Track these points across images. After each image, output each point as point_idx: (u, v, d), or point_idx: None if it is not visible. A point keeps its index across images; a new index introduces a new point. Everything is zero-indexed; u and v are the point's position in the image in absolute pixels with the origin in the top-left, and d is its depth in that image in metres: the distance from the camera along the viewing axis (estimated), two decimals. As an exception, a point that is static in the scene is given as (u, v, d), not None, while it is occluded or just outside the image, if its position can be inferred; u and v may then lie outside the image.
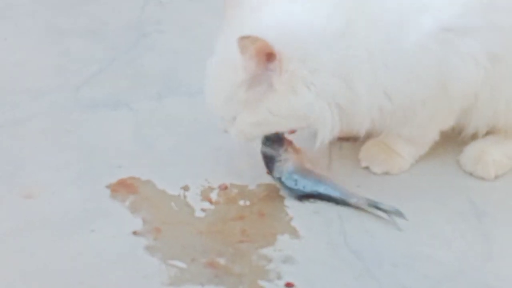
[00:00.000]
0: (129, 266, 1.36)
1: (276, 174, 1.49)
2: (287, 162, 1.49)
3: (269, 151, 1.49)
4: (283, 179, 1.49)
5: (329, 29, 1.39)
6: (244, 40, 1.34)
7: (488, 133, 1.56)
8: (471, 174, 1.56)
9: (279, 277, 1.36)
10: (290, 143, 1.51)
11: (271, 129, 1.45)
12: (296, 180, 1.48)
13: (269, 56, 1.36)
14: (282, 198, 1.49)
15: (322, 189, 1.48)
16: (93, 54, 1.82)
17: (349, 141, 1.59)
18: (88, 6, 1.96)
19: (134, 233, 1.42)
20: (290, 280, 1.35)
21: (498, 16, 1.43)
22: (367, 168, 1.55)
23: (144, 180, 1.51)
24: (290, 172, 1.49)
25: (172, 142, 1.60)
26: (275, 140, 1.49)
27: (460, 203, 1.50)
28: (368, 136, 1.56)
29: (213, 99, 1.44)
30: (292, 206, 1.48)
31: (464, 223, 1.47)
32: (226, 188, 1.51)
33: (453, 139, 1.57)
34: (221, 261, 1.37)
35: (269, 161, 1.50)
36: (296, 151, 1.51)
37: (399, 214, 1.44)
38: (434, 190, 1.52)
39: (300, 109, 1.40)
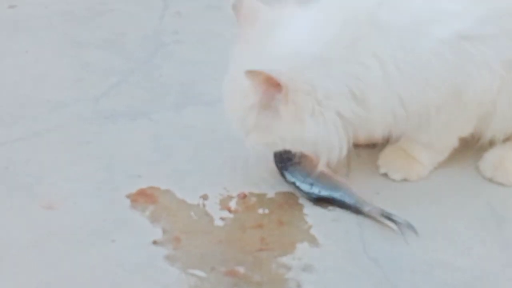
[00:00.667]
0: (149, 276, 1.37)
1: (291, 179, 1.50)
2: (298, 166, 1.50)
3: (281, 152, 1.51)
4: (298, 183, 1.49)
5: (335, 55, 1.39)
6: (251, 73, 1.36)
7: (507, 139, 1.56)
8: (490, 180, 1.56)
9: (298, 286, 1.36)
10: (305, 156, 1.51)
11: (280, 148, 1.47)
12: (311, 184, 1.49)
13: (276, 86, 1.37)
14: (301, 206, 1.50)
15: (337, 195, 1.48)
16: (111, 65, 1.83)
17: (368, 147, 1.59)
18: (106, 17, 1.98)
19: (154, 242, 1.42)
20: (310, 288, 1.36)
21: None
22: (385, 175, 1.56)
23: (164, 189, 1.52)
24: (304, 176, 1.49)
25: (191, 152, 1.61)
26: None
27: (479, 209, 1.50)
28: (387, 142, 1.57)
29: (229, 114, 1.46)
30: (311, 214, 1.48)
31: (483, 229, 1.46)
32: (245, 196, 1.51)
33: (472, 145, 1.57)
34: (241, 269, 1.38)
35: (280, 161, 1.51)
36: (309, 156, 1.51)
37: (410, 227, 1.44)
38: (453, 196, 1.52)
39: (306, 137, 1.41)
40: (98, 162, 1.58)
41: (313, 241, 1.43)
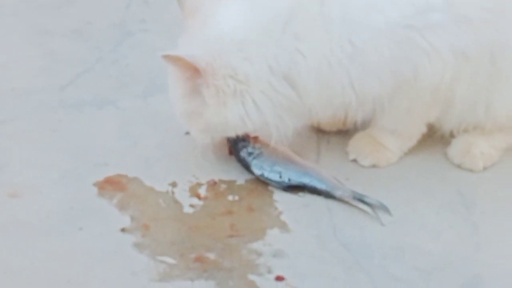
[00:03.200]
0: (117, 263, 1.35)
1: (257, 171, 1.49)
2: (262, 156, 1.49)
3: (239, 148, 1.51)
4: (266, 174, 1.48)
5: (258, 40, 1.40)
6: (168, 58, 1.40)
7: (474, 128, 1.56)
8: (459, 166, 1.56)
9: (269, 271, 1.35)
10: (256, 138, 1.51)
11: (221, 135, 1.48)
12: (280, 172, 1.48)
13: (196, 71, 1.40)
14: (271, 192, 1.49)
15: (307, 181, 1.48)
16: (78, 54, 1.81)
17: (338, 133, 1.59)
18: (73, 7, 1.95)
19: (122, 230, 1.41)
20: (280, 273, 1.34)
21: (464, 9, 1.42)
22: (355, 161, 1.55)
23: (131, 177, 1.50)
24: (271, 165, 1.49)
25: (159, 139, 1.59)
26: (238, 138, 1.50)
27: (448, 194, 1.50)
28: (356, 129, 1.57)
29: (172, 104, 1.49)
30: (281, 200, 1.47)
31: (453, 214, 1.47)
32: (214, 183, 1.50)
33: (441, 132, 1.57)
34: (211, 256, 1.36)
35: (242, 157, 1.50)
36: (266, 143, 1.51)
37: (384, 208, 1.44)
38: (422, 182, 1.52)
39: (233, 121, 1.42)
40: (64, 151, 1.56)
41: (283, 226, 1.42)
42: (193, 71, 1.40)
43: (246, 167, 1.50)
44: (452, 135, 1.57)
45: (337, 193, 1.46)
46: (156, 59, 1.81)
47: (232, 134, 1.48)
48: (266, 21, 1.41)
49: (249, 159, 1.50)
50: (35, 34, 1.86)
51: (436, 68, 1.43)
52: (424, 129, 1.55)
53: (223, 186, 1.50)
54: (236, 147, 1.51)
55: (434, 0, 1.41)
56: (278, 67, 1.41)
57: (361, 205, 1.45)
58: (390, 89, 1.44)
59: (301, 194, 1.48)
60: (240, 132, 1.47)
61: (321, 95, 1.43)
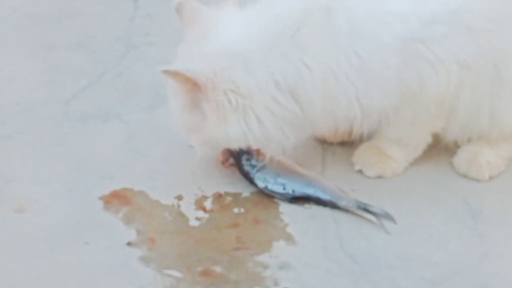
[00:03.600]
0: (123, 278, 1.35)
1: (261, 184, 1.49)
2: (265, 168, 1.49)
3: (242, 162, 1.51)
4: (270, 186, 1.48)
5: (261, 54, 1.39)
6: (168, 73, 1.40)
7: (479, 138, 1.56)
8: (465, 176, 1.56)
9: (276, 284, 1.35)
10: (258, 151, 1.50)
11: (220, 147, 1.48)
12: (283, 184, 1.48)
13: (197, 85, 1.39)
14: (276, 204, 1.48)
15: (311, 192, 1.47)
16: (82, 67, 1.81)
17: (343, 145, 1.59)
18: (76, 20, 1.95)
19: (128, 244, 1.40)
20: (287, 286, 1.34)
21: (468, 20, 1.42)
22: (360, 171, 1.55)
23: (137, 190, 1.50)
24: (274, 177, 1.48)
25: (164, 152, 1.59)
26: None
27: (455, 204, 1.50)
28: (361, 139, 1.56)
29: (172, 116, 1.49)
30: (287, 212, 1.47)
31: (459, 224, 1.46)
32: (220, 196, 1.50)
33: (446, 142, 1.57)
34: (217, 269, 1.36)
35: (246, 171, 1.50)
36: (271, 156, 1.50)
37: (388, 217, 1.44)
38: (428, 192, 1.52)
39: (235, 135, 1.42)
40: (70, 164, 1.56)
41: (289, 239, 1.42)
42: (192, 85, 1.40)
43: (250, 180, 1.50)
44: (456, 145, 1.56)
45: (341, 203, 1.46)
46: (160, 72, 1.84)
47: (234, 147, 1.47)
48: (272, 34, 1.40)
49: (252, 171, 1.49)
50: (39, 48, 1.86)
51: (441, 79, 1.43)
52: (429, 139, 1.54)
53: (229, 198, 1.49)
54: (240, 161, 1.51)
55: (439, 12, 1.41)
56: (284, 81, 1.40)
57: (365, 214, 1.45)
58: (396, 101, 1.44)
59: (307, 205, 1.48)
60: (241, 145, 1.46)
61: (325, 108, 1.43)
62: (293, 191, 1.48)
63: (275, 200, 1.49)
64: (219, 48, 1.40)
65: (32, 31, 1.91)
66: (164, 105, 1.70)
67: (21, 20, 1.94)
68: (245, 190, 1.50)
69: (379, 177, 1.54)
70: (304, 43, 1.40)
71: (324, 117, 1.44)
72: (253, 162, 1.50)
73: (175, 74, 1.40)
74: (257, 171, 1.49)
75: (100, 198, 1.48)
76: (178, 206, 1.48)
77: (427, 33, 1.41)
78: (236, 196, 1.50)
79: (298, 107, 1.42)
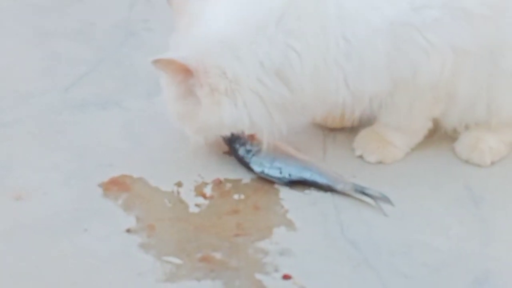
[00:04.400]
0: (123, 264, 1.34)
1: (257, 169, 1.48)
2: (260, 152, 1.48)
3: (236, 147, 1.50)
4: (266, 171, 1.47)
5: (247, 38, 1.39)
6: (158, 63, 1.39)
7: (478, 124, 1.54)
8: (467, 161, 1.55)
9: (276, 270, 1.34)
10: (252, 136, 1.49)
11: (215, 134, 1.47)
12: (280, 169, 1.47)
13: (188, 71, 1.39)
14: (277, 190, 1.48)
15: (308, 175, 1.47)
16: (81, 54, 1.80)
17: (344, 131, 1.58)
18: (75, 7, 1.94)
19: (128, 231, 1.40)
20: (287, 272, 1.33)
21: (463, 4, 1.39)
22: (361, 157, 1.54)
23: (136, 177, 1.49)
24: (270, 161, 1.48)
25: (164, 139, 1.58)
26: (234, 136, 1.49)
27: (457, 189, 1.49)
28: (363, 125, 1.55)
29: (166, 106, 1.49)
30: (288, 198, 1.46)
31: (461, 209, 1.45)
32: (220, 182, 1.49)
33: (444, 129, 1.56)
34: (217, 255, 1.35)
35: (241, 156, 1.49)
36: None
37: (386, 200, 1.43)
38: (430, 178, 1.51)
39: (228, 119, 1.41)
40: (69, 152, 1.55)
41: (290, 225, 1.41)
42: (185, 73, 1.40)
43: (246, 165, 1.49)
44: (455, 133, 1.55)
45: (338, 187, 1.45)
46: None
47: (227, 133, 1.47)
48: (258, 18, 1.39)
49: (248, 156, 1.48)
50: (38, 36, 1.85)
51: (435, 65, 1.42)
52: (429, 125, 1.53)
53: (229, 185, 1.49)
54: (234, 146, 1.50)
55: None
56: (270, 63, 1.39)
57: (363, 197, 1.44)
58: (388, 87, 1.43)
59: (307, 191, 1.47)
60: (235, 131, 1.45)
61: (315, 92, 1.42)
62: (289, 175, 1.47)
63: (276, 186, 1.48)
64: (206, 35, 1.40)
65: (31, 19, 1.90)
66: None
67: (20, 9, 1.93)
68: (245, 177, 1.50)
69: (380, 162, 1.53)
70: (292, 26, 1.38)
71: (314, 101, 1.43)
72: (248, 147, 1.49)
73: (165, 63, 1.40)
74: (253, 155, 1.48)
75: (100, 185, 1.48)
76: (178, 193, 1.47)
77: (419, 17, 1.39)
78: (236, 182, 1.49)
79: (287, 90, 1.41)
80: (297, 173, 1.47)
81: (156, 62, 1.40)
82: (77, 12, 1.93)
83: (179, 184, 1.49)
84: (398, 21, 1.39)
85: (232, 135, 1.49)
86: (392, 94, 1.44)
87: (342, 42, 1.39)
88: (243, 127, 1.43)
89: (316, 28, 1.39)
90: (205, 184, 1.49)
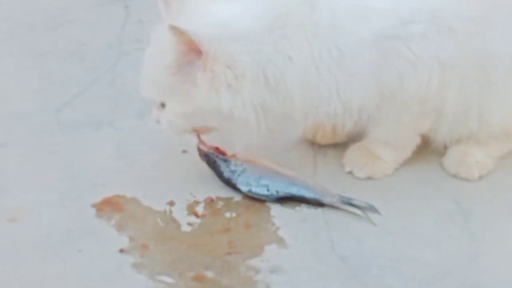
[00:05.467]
0: (116, 284, 1.35)
1: (244, 188, 1.49)
2: (246, 172, 1.49)
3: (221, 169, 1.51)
4: (254, 189, 1.49)
5: (258, 37, 1.39)
6: (174, 29, 1.35)
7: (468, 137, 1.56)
8: (455, 176, 1.56)
9: (268, 287, 1.35)
10: (234, 156, 1.51)
11: (198, 123, 1.45)
12: (267, 186, 1.48)
13: (197, 51, 1.37)
14: (268, 208, 1.49)
15: (295, 191, 1.48)
16: (73, 75, 1.82)
17: (334, 147, 1.60)
18: (67, 28, 1.96)
19: (121, 251, 1.41)
20: (279, 289, 1.35)
21: (448, 20, 1.41)
22: (351, 173, 1.56)
23: (129, 197, 1.51)
24: (256, 179, 1.49)
25: (156, 159, 1.59)
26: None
27: (446, 203, 1.50)
28: (352, 141, 1.57)
29: (143, 80, 1.46)
30: (278, 215, 1.48)
31: (450, 223, 1.47)
32: (212, 201, 1.50)
33: (435, 143, 1.57)
34: (209, 274, 1.37)
35: (227, 178, 1.50)
36: (249, 159, 1.51)
37: (373, 209, 1.45)
38: (419, 192, 1.52)
39: (223, 108, 1.40)
40: (62, 172, 1.56)
41: (281, 242, 1.43)
42: (193, 51, 1.37)
43: (232, 186, 1.50)
44: (445, 148, 1.57)
45: (326, 200, 1.47)
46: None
47: (212, 123, 1.44)
48: (267, 19, 1.40)
49: (233, 177, 1.50)
50: (31, 56, 1.87)
51: (421, 78, 1.43)
52: (418, 140, 1.55)
53: (220, 203, 1.50)
54: (218, 168, 1.51)
55: (418, 11, 1.41)
56: (270, 67, 1.40)
57: (351, 209, 1.46)
58: (376, 98, 1.44)
59: (297, 208, 1.49)
60: (221, 123, 1.43)
61: (304, 101, 1.42)
62: (277, 191, 1.48)
63: (267, 203, 1.50)
64: (226, 20, 1.39)
65: (23, 40, 1.92)
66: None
67: (12, 30, 1.95)
68: (237, 195, 1.51)
69: (369, 178, 1.55)
70: (289, 33, 1.40)
71: (302, 110, 1.43)
72: (232, 167, 1.50)
73: (179, 32, 1.35)
74: (238, 175, 1.50)
75: (93, 206, 1.49)
76: (170, 212, 1.49)
77: (406, 31, 1.40)
78: (227, 200, 1.51)
79: (278, 102, 1.42)
80: (284, 189, 1.48)
81: (171, 28, 1.35)
82: (69, 33, 1.95)
83: (171, 203, 1.50)
84: (386, 34, 1.41)
85: (216, 157, 1.50)
86: (379, 107, 1.46)
87: (334, 50, 1.40)
88: (232, 120, 1.41)
89: (309, 35, 1.40)
90: (197, 202, 1.50)
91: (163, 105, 1.46)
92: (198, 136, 1.53)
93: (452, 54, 1.43)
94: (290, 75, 1.41)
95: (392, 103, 1.45)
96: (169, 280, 1.36)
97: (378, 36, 1.40)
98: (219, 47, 1.37)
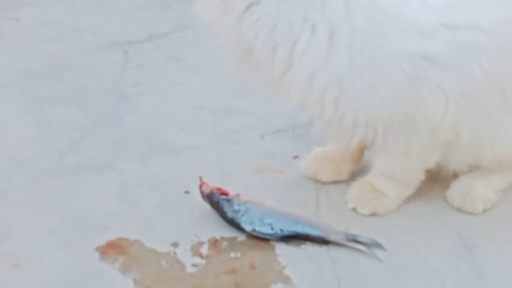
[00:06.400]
0: (122, 328, 1.34)
1: (248, 227, 1.49)
2: (249, 211, 1.49)
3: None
4: (258, 228, 1.48)
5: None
6: None
7: (472, 168, 1.56)
8: (459, 209, 1.56)
9: (275, 327, 1.34)
10: (238, 195, 1.51)
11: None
12: (271, 224, 1.48)
13: None
14: (272, 246, 1.48)
15: (299, 229, 1.48)
16: (74, 119, 1.82)
17: (336, 184, 1.60)
18: (67, 73, 1.97)
19: (126, 294, 1.40)
20: (286, 328, 1.34)
21: (477, 59, 1.42)
22: (354, 209, 1.55)
23: (133, 240, 1.50)
24: (260, 218, 1.49)
25: (158, 201, 1.59)
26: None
27: (450, 238, 1.50)
28: (354, 178, 1.57)
29: None
30: (284, 254, 1.47)
31: (456, 258, 1.46)
32: (216, 241, 1.50)
33: (439, 175, 1.57)
34: (216, 315, 1.36)
35: (230, 218, 1.50)
36: (251, 198, 1.51)
37: (378, 245, 1.45)
38: (423, 227, 1.52)
39: None
40: (64, 217, 1.56)
41: (287, 281, 1.42)
42: None
43: (236, 226, 1.50)
44: (455, 176, 1.56)
45: (331, 237, 1.46)
46: (153, 121, 1.85)
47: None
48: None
49: (237, 217, 1.49)
50: (31, 102, 1.87)
51: (438, 105, 1.42)
52: (422, 176, 1.55)
53: (225, 243, 1.49)
54: (222, 209, 1.51)
55: (455, 44, 1.41)
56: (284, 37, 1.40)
57: (356, 245, 1.45)
58: (387, 115, 1.42)
59: (302, 246, 1.48)
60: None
61: (302, 78, 1.41)
62: (281, 230, 1.48)
63: (271, 242, 1.49)
64: None
65: (23, 87, 1.93)
66: (157, 154, 1.72)
67: (12, 77, 1.96)
68: (241, 234, 1.50)
69: (373, 214, 1.55)
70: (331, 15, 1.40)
71: (298, 88, 1.42)
72: (236, 207, 1.50)
73: None
74: (242, 215, 1.49)
75: (96, 249, 1.48)
76: (174, 253, 1.48)
77: (441, 58, 1.40)
78: (231, 240, 1.50)
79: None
80: (288, 228, 1.48)
81: None
82: (69, 78, 1.96)
83: (175, 244, 1.49)
84: (425, 55, 1.39)
85: (219, 197, 1.50)
86: (389, 132, 1.44)
87: (367, 50, 1.38)
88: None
89: (357, 30, 1.39)
90: (201, 243, 1.49)
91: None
92: (200, 177, 1.54)
93: (478, 87, 1.42)
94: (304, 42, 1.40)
95: (403, 127, 1.44)
96: (175, 322, 1.35)
97: (418, 55, 1.39)
98: None
